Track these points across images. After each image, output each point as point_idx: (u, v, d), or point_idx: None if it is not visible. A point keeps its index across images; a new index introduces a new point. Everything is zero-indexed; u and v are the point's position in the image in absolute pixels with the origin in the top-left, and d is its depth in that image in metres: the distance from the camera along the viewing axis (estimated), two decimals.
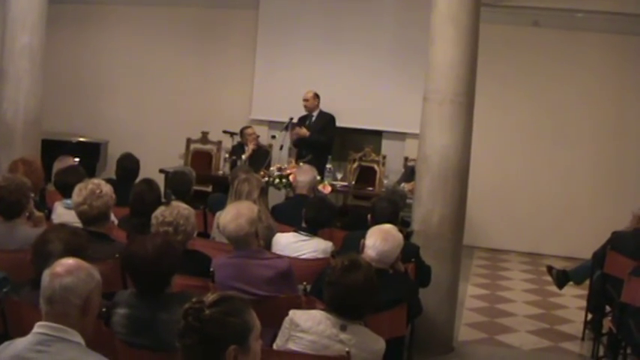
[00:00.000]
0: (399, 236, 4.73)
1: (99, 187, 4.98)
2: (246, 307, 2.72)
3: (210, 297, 2.67)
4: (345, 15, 11.72)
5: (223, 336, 2.60)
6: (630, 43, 10.99)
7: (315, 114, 10.67)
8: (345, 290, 3.62)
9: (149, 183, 5.90)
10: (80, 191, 4.93)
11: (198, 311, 2.60)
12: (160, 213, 4.70)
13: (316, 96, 10.67)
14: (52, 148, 9.19)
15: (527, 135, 11.47)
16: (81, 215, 4.89)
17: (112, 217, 5.35)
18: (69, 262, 3.02)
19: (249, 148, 10.41)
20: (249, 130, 10.65)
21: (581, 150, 11.32)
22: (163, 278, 3.68)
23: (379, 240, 4.58)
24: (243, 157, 10.18)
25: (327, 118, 10.69)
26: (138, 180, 6.48)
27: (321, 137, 10.39)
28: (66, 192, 5.78)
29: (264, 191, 6.38)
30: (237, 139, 10.76)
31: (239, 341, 2.61)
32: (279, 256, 5.01)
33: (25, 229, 4.88)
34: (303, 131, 10.36)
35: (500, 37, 10.86)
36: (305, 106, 10.64)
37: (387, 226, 4.81)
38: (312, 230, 5.71)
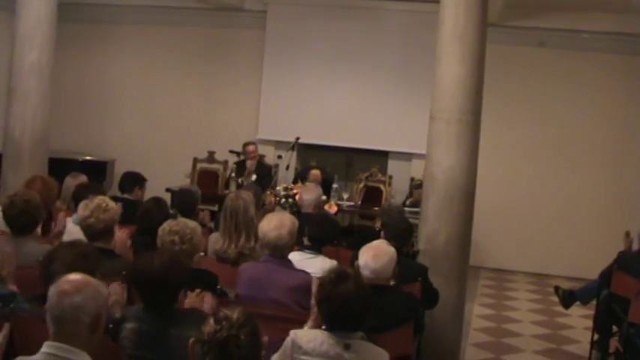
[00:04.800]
0: (390, 250, 4.72)
1: (104, 201, 5.05)
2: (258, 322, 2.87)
3: (233, 316, 2.77)
4: (351, 35, 11.75)
5: (257, 356, 2.78)
6: (635, 64, 11.03)
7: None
8: (338, 302, 3.59)
9: (157, 201, 5.89)
10: (86, 205, 4.97)
11: (236, 338, 2.72)
12: (166, 224, 4.77)
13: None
14: (59, 167, 9.17)
15: (533, 155, 11.48)
16: (87, 229, 4.91)
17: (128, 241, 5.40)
18: (76, 278, 2.99)
19: (249, 163, 10.41)
20: (250, 148, 10.62)
21: (587, 170, 11.32)
22: (170, 293, 3.68)
23: (370, 258, 4.60)
24: (248, 175, 10.15)
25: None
26: (147, 198, 6.50)
27: None
28: None
29: (258, 206, 6.35)
30: (243, 158, 10.74)
31: (260, 356, 2.78)
32: (305, 272, 5.04)
33: (32, 245, 4.91)
34: None
35: (506, 57, 10.91)
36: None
37: (377, 242, 4.85)
38: (316, 248, 5.68)
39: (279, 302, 4.68)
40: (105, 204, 5.00)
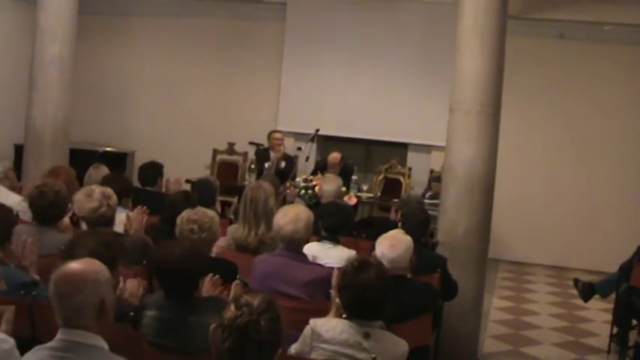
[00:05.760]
0: (407, 239, 4.75)
1: (105, 189, 5.13)
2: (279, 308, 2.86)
3: (253, 302, 2.77)
4: (371, 27, 11.74)
5: (277, 342, 2.78)
6: None
7: None
8: (359, 290, 3.62)
9: (187, 196, 5.88)
10: (89, 196, 5.00)
11: (256, 323, 2.72)
12: (185, 213, 4.81)
13: None
14: (80, 158, 9.24)
15: (552, 147, 11.43)
16: (100, 218, 4.96)
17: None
18: (72, 273, 2.89)
19: (275, 155, 10.38)
20: (276, 135, 10.61)
21: (606, 162, 11.26)
22: (191, 281, 3.72)
23: (387, 248, 4.61)
24: (267, 165, 10.12)
25: None
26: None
27: None
28: None
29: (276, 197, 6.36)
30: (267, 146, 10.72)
31: (280, 343, 2.80)
32: (321, 265, 5.04)
33: (54, 235, 4.95)
34: None
35: (525, 49, 10.85)
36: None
37: (393, 232, 4.87)
38: (333, 238, 5.67)
39: (292, 297, 4.63)
40: (107, 192, 5.08)
